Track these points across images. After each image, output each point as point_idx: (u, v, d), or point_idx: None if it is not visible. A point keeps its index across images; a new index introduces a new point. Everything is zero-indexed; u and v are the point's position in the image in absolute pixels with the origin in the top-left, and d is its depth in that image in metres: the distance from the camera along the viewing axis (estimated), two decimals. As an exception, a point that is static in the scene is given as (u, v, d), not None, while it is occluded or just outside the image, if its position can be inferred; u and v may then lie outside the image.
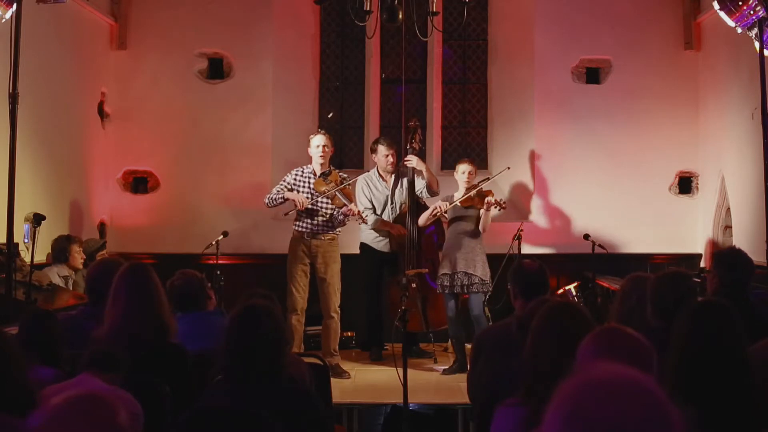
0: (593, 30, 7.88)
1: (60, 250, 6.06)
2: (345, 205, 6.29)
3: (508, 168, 7.13)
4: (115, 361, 2.86)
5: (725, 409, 2.35)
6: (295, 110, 8.13)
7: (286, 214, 6.45)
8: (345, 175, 6.51)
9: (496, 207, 6.28)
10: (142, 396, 2.65)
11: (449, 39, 8.39)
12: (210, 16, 7.90)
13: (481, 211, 6.36)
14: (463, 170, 6.51)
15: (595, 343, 2.15)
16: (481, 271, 6.34)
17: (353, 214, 6.30)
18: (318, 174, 6.44)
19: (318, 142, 6.44)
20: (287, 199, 6.41)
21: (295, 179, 6.49)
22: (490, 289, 6.43)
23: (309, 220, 6.42)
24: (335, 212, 6.39)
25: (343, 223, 6.49)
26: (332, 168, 6.54)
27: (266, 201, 6.52)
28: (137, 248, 7.57)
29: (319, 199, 6.37)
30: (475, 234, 6.44)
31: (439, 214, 6.51)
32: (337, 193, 6.29)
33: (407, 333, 4.98)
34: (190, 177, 7.87)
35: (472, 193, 6.38)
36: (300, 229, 6.44)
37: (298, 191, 6.43)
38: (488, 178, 6.87)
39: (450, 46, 8.45)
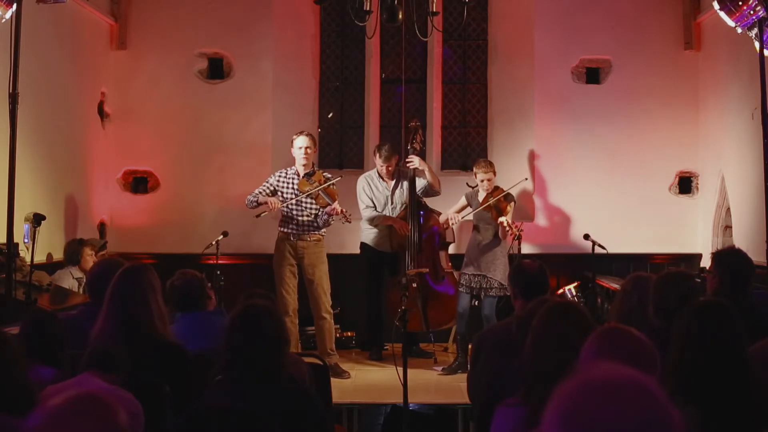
0: (593, 30, 7.88)
1: (72, 254, 6.14)
2: (328, 204, 6.28)
3: (526, 179, 7.19)
4: (115, 361, 2.86)
5: (725, 409, 2.35)
6: (295, 110, 8.13)
7: (258, 216, 6.45)
8: (329, 176, 6.50)
9: (507, 229, 6.35)
10: (142, 396, 2.65)
11: (449, 39, 8.38)
12: (210, 16, 7.90)
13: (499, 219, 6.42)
14: (481, 179, 6.57)
15: (599, 343, 2.15)
16: (501, 275, 6.38)
17: (337, 213, 6.29)
18: (302, 175, 6.44)
19: (301, 144, 6.44)
20: (260, 203, 6.41)
21: (278, 180, 6.50)
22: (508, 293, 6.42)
23: (294, 221, 6.42)
24: (320, 212, 6.39)
25: (327, 224, 6.48)
26: (316, 168, 6.55)
27: (246, 201, 6.52)
28: (137, 248, 7.57)
29: (303, 199, 6.37)
30: (497, 237, 6.52)
31: (447, 227, 6.73)
32: (320, 192, 6.30)
33: (407, 333, 4.98)
34: (190, 177, 7.87)
35: (492, 201, 6.45)
36: (285, 230, 6.45)
37: (282, 192, 6.45)
38: (495, 185, 6.91)
39: (450, 46, 8.44)
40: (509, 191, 6.66)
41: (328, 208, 6.29)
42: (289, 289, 6.38)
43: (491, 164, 6.69)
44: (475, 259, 6.46)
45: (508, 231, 6.37)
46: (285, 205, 6.39)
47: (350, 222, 6.53)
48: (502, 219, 6.32)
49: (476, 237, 6.55)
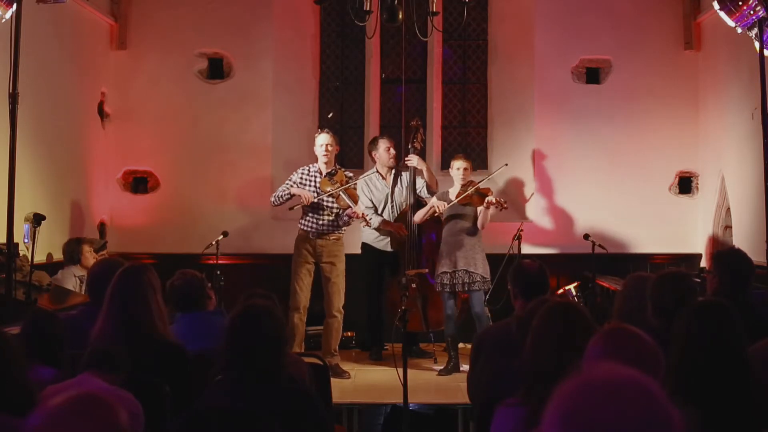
0: (593, 30, 7.88)
1: (72, 253, 6.14)
2: (349, 206, 6.30)
3: (506, 165, 7.10)
4: (115, 361, 2.86)
5: (725, 409, 2.35)
6: (295, 110, 8.13)
7: (291, 208, 6.42)
8: (351, 175, 6.52)
9: (497, 207, 6.25)
10: (142, 396, 2.65)
11: (449, 39, 8.39)
12: (210, 16, 7.90)
13: (479, 208, 6.34)
14: (458, 167, 6.50)
15: (604, 343, 2.14)
16: (482, 268, 6.34)
17: (357, 217, 6.31)
18: (324, 173, 6.45)
19: (322, 141, 6.45)
20: (293, 195, 6.42)
21: (301, 178, 6.50)
22: (491, 286, 6.39)
23: (314, 219, 6.43)
24: (341, 212, 6.40)
25: (347, 224, 6.50)
26: (338, 167, 6.55)
27: (272, 199, 6.55)
28: (137, 248, 7.57)
29: (324, 198, 6.38)
30: (474, 231, 6.42)
31: (437, 213, 6.50)
32: (341, 193, 6.29)
33: (407, 333, 4.98)
34: (190, 177, 7.88)
35: (471, 191, 6.35)
36: (305, 228, 6.45)
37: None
38: (484, 177, 6.86)
39: (450, 46, 8.44)
40: (487, 180, 6.59)
41: (348, 211, 6.31)
42: (303, 286, 6.39)
43: (469, 159, 6.72)
44: (453, 255, 6.34)
45: (497, 207, 6.25)
46: (297, 204, 6.41)
47: (370, 226, 6.57)
48: (489, 198, 6.22)
49: (452, 232, 6.44)
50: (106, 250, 6.83)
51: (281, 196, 6.47)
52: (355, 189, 6.44)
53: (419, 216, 6.65)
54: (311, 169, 6.52)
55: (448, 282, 6.37)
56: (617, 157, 7.87)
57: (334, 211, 6.42)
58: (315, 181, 6.45)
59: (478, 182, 6.51)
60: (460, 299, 6.63)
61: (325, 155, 6.43)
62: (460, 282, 6.33)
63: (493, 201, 6.21)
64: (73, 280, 5.93)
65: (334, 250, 6.44)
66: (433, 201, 6.56)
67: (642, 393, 1.27)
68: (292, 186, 6.47)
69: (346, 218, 6.41)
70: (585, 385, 1.29)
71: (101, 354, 2.86)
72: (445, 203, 6.43)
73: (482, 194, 6.32)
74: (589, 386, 1.29)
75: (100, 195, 7.65)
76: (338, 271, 6.44)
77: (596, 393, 1.27)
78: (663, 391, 1.30)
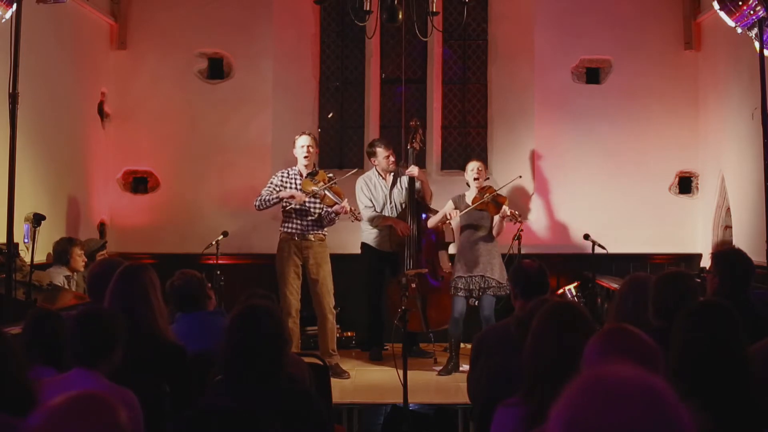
0: (593, 30, 7.88)
1: (61, 253, 6.07)
2: (336, 203, 6.28)
3: (520, 177, 7.11)
4: (99, 351, 2.83)
5: (726, 410, 2.35)
6: (295, 110, 8.13)
7: (285, 207, 6.41)
8: (331, 174, 6.50)
9: (511, 219, 6.27)
10: (142, 396, 2.65)
11: (449, 39, 8.39)
12: (210, 16, 7.90)
13: (495, 216, 6.35)
14: (471, 168, 6.52)
15: (603, 343, 2.14)
16: (499, 273, 6.34)
17: (346, 212, 6.28)
18: (304, 174, 6.44)
19: (303, 143, 6.45)
20: (282, 199, 6.40)
21: (281, 180, 6.48)
22: (507, 292, 6.30)
23: (299, 221, 6.41)
24: (323, 212, 6.39)
25: (332, 222, 6.48)
26: (318, 168, 6.55)
27: (257, 204, 6.46)
28: (137, 248, 7.57)
29: (307, 198, 6.37)
30: (491, 237, 6.43)
31: (449, 220, 6.51)
32: (326, 192, 6.29)
33: (407, 333, 4.98)
34: (190, 177, 7.88)
35: (487, 197, 6.34)
36: (289, 230, 6.42)
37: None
38: (486, 184, 6.86)
39: (450, 46, 8.44)
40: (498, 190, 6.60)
41: (336, 207, 6.29)
42: (293, 290, 6.37)
43: (482, 160, 6.76)
44: (470, 261, 6.35)
45: (511, 220, 6.28)
46: (290, 205, 6.39)
47: (359, 220, 6.56)
48: (504, 208, 6.25)
49: (470, 238, 6.44)
50: (106, 250, 6.83)
51: (267, 200, 6.40)
52: (338, 186, 6.40)
53: (432, 222, 6.70)
54: (291, 172, 6.50)
55: (462, 287, 6.34)
56: (617, 157, 7.87)
57: (317, 211, 6.40)
58: (296, 183, 6.43)
59: (493, 187, 6.50)
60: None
61: (306, 157, 6.42)
62: (477, 287, 6.32)
63: (508, 213, 6.24)
64: (60, 279, 5.89)
65: (319, 251, 6.42)
66: (447, 206, 6.57)
67: (647, 396, 1.24)
68: (274, 191, 6.41)
69: (332, 215, 6.38)
70: (588, 389, 1.26)
71: (84, 348, 2.82)
72: (459, 211, 6.43)
73: (498, 203, 6.33)
74: (593, 390, 1.26)
75: (99, 195, 7.65)
76: (325, 272, 6.41)
77: (600, 397, 1.24)
78: (671, 390, 1.26)
